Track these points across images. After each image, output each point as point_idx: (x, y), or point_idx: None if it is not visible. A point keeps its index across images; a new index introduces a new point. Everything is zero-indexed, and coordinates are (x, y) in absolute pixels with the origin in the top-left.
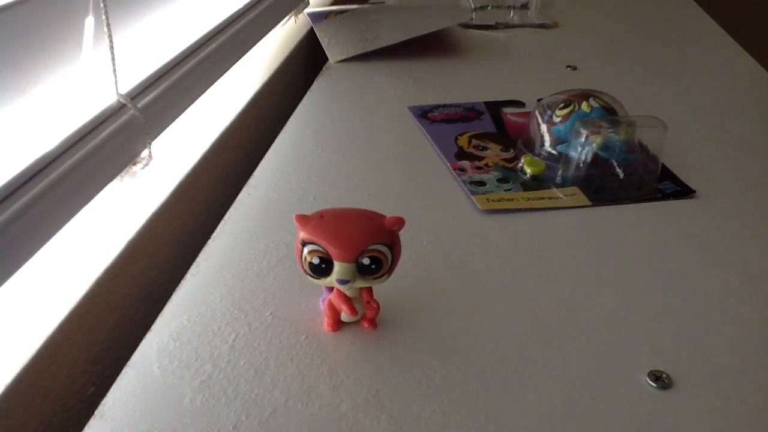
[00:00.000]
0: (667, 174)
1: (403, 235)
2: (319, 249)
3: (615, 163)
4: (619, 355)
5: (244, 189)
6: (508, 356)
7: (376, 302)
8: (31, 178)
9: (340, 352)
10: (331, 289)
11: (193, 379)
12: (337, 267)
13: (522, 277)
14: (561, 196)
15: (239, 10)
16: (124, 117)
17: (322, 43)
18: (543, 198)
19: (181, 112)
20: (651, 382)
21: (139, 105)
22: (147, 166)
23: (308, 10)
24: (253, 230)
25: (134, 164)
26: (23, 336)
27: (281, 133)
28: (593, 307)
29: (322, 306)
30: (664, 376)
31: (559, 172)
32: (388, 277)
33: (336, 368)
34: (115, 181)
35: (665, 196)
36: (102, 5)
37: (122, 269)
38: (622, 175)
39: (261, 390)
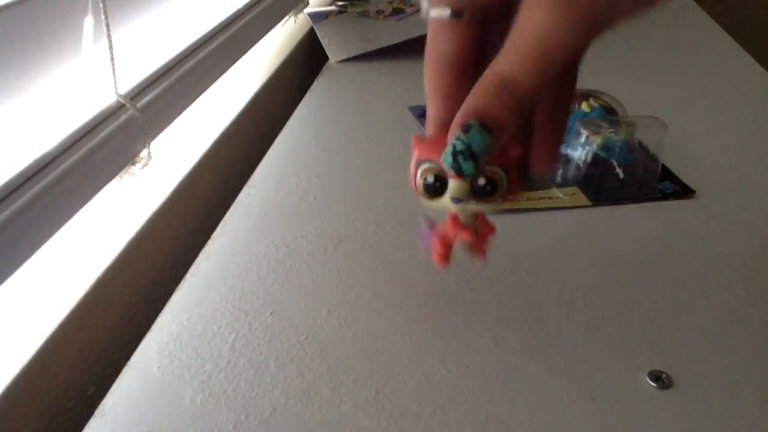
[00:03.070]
0: (667, 174)
1: (404, 235)
2: (434, 167)
3: (615, 163)
4: (619, 355)
5: (244, 189)
6: (508, 356)
7: (489, 231)
8: (30, 178)
9: (340, 352)
10: (430, 226)
11: (193, 379)
12: (452, 184)
13: (522, 277)
14: (561, 196)
15: (239, 10)
16: (124, 117)
17: (322, 43)
18: (543, 198)
19: (181, 112)
20: (651, 382)
21: (139, 105)
22: (146, 166)
23: (308, 10)
24: (253, 230)
25: (133, 164)
26: (23, 336)
27: (281, 133)
28: (593, 307)
29: (424, 244)
30: (664, 376)
31: (559, 172)
32: (503, 202)
33: (336, 368)
34: (114, 181)
35: (665, 196)
36: (101, 5)
37: (122, 269)
38: (622, 175)
39: (261, 390)
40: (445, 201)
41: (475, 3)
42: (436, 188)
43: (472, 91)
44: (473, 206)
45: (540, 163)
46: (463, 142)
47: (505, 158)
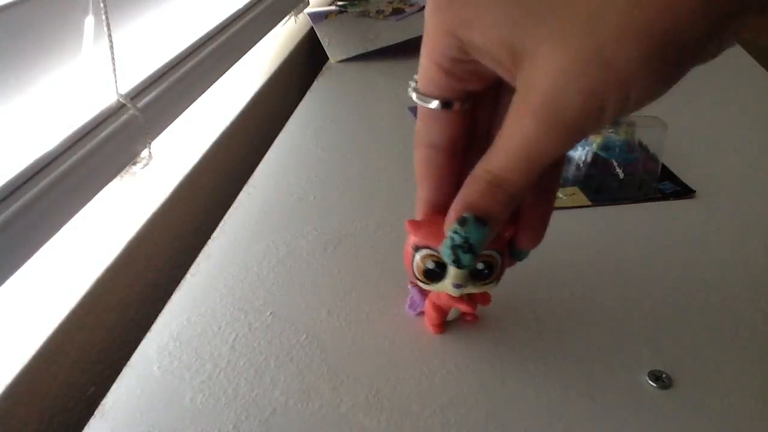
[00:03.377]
0: (667, 174)
1: (404, 235)
2: (434, 253)
3: (615, 163)
4: (619, 355)
5: (244, 189)
6: (508, 356)
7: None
8: (30, 178)
9: (340, 352)
10: (422, 293)
11: (193, 379)
12: (453, 272)
13: (522, 277)
14: (561, 196)
15: (239, 10)
16: (124, 117)
17: (322, 43)
18: None
19: (181, 112)
20: (651, 382)
21: (139, 105)
22: (147, 166)
23: (308, 10)
24: (253, 230)
25: (134, 164)
26: (23, 336)
27: (281, 133)
28: (593, 307)
29: (410, 312)
30: (664, 376)
31: None
32: (496, 284)
33: (336, 368)
34: (115, 181)
35: (665, 196)
36: (102, 5)
37: (122, 269)
38: (622, 175)
39: (261, 390)
40: (446, 285)
41: (464, 94)
42: (435, 273)
43: (465, 184)
44: (471, 288)
45: (528, 243)
46: (460, 235)
47: (500, 242)
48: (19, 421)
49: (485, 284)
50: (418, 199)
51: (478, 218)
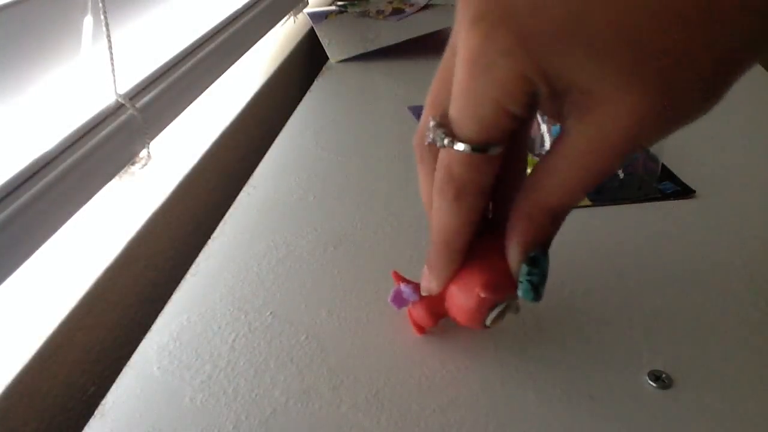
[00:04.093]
0: (667, 174)
1: (404, 234)
2: (507, 302)
3: None
4: (619, 355)
5: (244, 189)
6: (508, 356)
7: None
8: (29, 178)
9: (340, 352)
10: (415, 291)
11: (193, 379)
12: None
13: None
14: None
15: (239, 10)
16: (123, 117)
17: (322, 43)
18: None
19: (180, 112)
20: (651, 382)
21: (138, 105)
22: (146, 166)
23: (308, 10)
24: (253, 230)
25: (133, 164)
26: (23, 336)
27: (281, 133)
28: (593, 307)
29: (396, 306)
30: (664, 376)
31: None
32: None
33: (336, 368)
34: (114, 180)
35: (665, 196)
36: (101, 5)
37: (122, 269)
38: (622, 175)
39: (261, 390)
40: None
41: (501, 139)
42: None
43: (517, 220)
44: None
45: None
46: (537, 275)
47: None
48: (19, 421)
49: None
50: (453, 250)
51: (545, 251)
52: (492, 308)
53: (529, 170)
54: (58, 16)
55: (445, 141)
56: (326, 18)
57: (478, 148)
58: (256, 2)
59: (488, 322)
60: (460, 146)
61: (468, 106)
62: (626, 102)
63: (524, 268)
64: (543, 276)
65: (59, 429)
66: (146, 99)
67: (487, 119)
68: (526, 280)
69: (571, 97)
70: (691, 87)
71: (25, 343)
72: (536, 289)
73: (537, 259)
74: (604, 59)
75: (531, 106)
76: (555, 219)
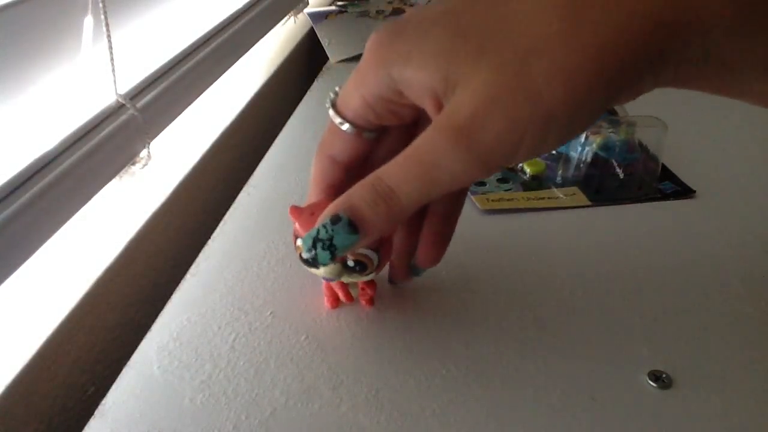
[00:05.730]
0: (667, 174)
1: None
2: None
3: (615, 163)
4: (619, 355)
5: (244, 189)
6: (508, 356)
7: (371, 289)
8: (29, 178)
9: (340, 352)
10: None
11: (193, 379)
12: (322, 267)
13: (522, 277)
14: (561, 196)
15: (239, 10)
16: (123, 117)
17: (322, 43)
18: (543, 198)
19: (181, 112)
20: (651, 382)
21: (138, 105)
22: (146, 166)
23: (308, 10)
24: (253, 230)
25: (133, 164)
26: (23, 336)
27: (281, 133)
28: (593, 307)
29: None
30: (664, 376)
31: (559, 172)
32: (376, 275)
33: (336, 368)
34: (114, 181)
35: (665, 196)
36: (101, 5)
37: (122, 269)
38: (622, 175)
39: (261, 390)
40: (319, 272)
41: (376, 127)
42: (309, 263)
43: (355, 186)
44: (346, 279)
45: (424, 262)
46: (327, 231)
47: (377, 241)
48: (19, 421)
49: (361, 276)
50: (308, 198)
51: (352, 222)
52: (297, 238)
53: (529, 169)
54: (58, 16)
55: (328, 100)
56: (326, 18)
57: (335, 116)
58: (256, 2)
59: (297, 253)
60: (328, 108)
61: (347, 84)
62: (481, 83)
63: (324, 220)
64: (330, 239)
65: (59, 429)
66: (146, 99)
67: (348, 98)
68: (315, 228)
69: (437, 88)
70: (547, 74)
71: (25, 343)
72: (314, 243)
73: (339, 220)
74: (468, 46)
75: (386, 104)
76: (381, 199)
